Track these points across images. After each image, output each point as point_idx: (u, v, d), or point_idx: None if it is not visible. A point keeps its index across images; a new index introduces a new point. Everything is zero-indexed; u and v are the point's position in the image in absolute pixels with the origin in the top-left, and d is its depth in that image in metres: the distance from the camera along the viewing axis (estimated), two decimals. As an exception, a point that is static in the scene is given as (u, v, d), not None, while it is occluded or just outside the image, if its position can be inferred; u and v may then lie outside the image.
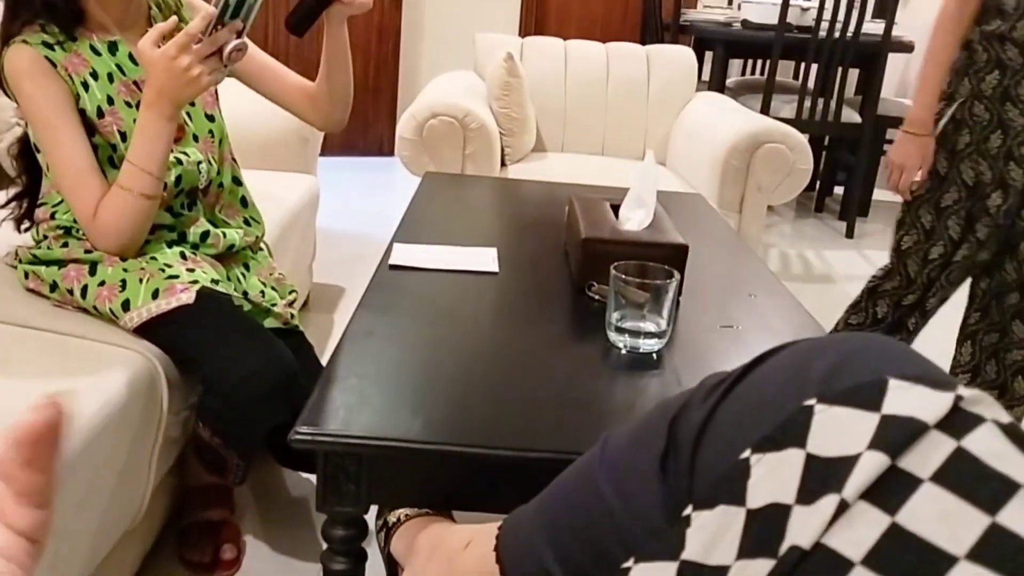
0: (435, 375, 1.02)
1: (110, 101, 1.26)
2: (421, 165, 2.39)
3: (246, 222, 1.49)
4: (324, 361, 1.12)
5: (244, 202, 1.50)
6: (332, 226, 3.03)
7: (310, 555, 1.42)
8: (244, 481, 1.35)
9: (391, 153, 4.36)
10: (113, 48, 1.28)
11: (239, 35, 1.16)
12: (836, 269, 3.23)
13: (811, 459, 0.45)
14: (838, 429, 0.46)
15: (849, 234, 3.64)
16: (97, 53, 1.26)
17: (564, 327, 1.21)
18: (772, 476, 0.46)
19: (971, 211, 1.71)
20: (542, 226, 1.67)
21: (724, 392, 0.54)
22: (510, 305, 1.27)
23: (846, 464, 0.44)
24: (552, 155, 2.85)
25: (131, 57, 1.29)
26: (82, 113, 1.24)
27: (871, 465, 0.43)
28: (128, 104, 1.28)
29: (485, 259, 1.40)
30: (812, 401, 0.48)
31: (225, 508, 1.43)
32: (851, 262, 3.33)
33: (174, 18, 1.17)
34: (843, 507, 0.43)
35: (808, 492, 0.44)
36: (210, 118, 1.40)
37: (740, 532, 0.46)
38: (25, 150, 1.35)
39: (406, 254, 1.38)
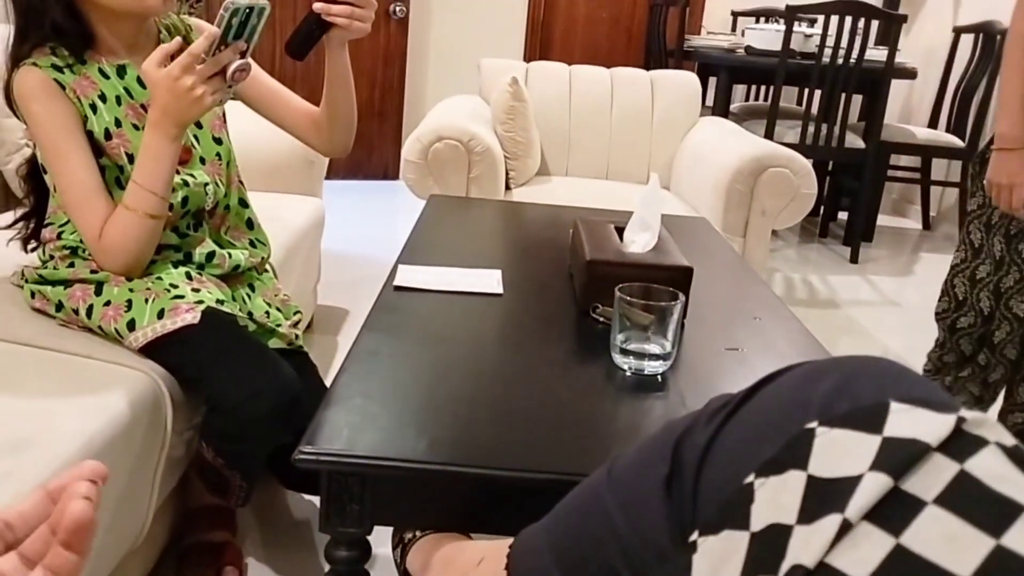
0: (439, 395, 1.02)
1: (118, 123, 1.27)
2: (426, 188, 2.40)
3: (252, 244, 1.50)
4: (328, 382, 1.12)
5: (250, 224, 1.51)
6: (337, 249, 3.04)
7: (312, 578, 1.41)
8: (247, 503, 1.35)
9: (396, 177, 4.39)
10: (122, 71, 1.29)
11: (243, 55, 1.17)
12: (840, 294, 3.23)
13: (812, 480, 0.45)
14: (839, 451, 0.46)
15: (853, 259, 3.64)
16: (106, 76, 1.28)
17: (568, 349, 1.21)
18: (774, 498, 0.46)
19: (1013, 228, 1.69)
20: (546, 249, 1.68)
21: (728, 415, 0.54)
22: (514, 327, 1.27)
23: (848, 485, 0.44)
24: (556, 179, 2.86)
25: (139, 80, 1.30)
26: (90, 135, 1.25)
27: (873, 486, 0.43)
28: (136, 127, 1.29)
29: (489, 281, 1.40)
30: (814, 424, 0.48)
31: (227, 530, 1.42)
32: (855, 287, 3.33)
33: (178, 39, 1.17)
34: (846, 527, 0.43)
35: (809, 512, 0.44)
36: (217, 141, 1.41)
37: (744, 555, 0.46)
38: (33, 171, 1.36)
39: (411, 275, 1.38)
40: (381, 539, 1.01)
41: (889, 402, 0.46)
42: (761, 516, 0.46)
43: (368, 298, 1.31)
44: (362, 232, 3.51)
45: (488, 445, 0.91)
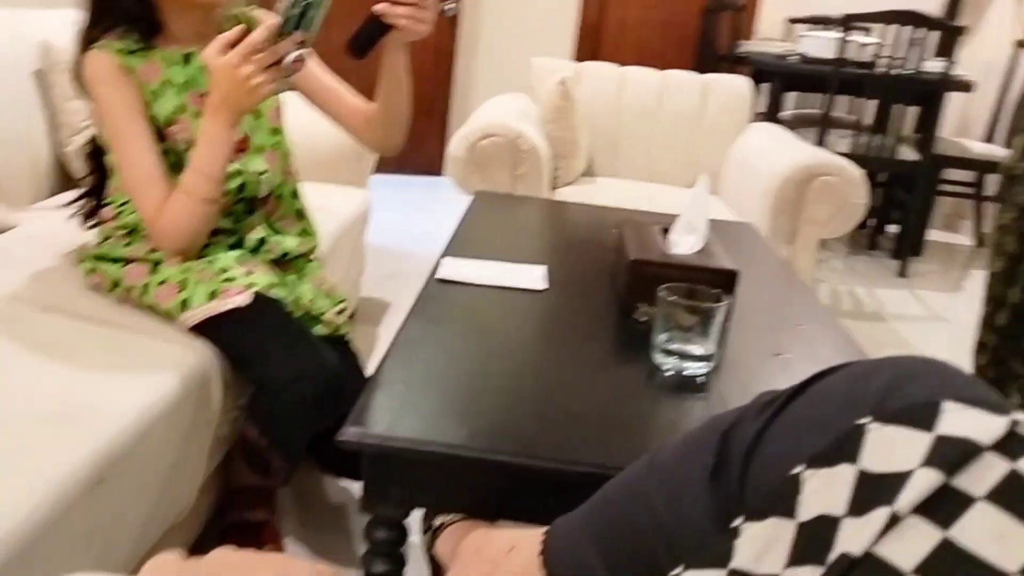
0: (481, 386, 1.03)
1: (180, 110, 1.31)
2: (471, 185, 2.42)
3: (301, 233, 1.53)
4: (368, 372, 1.14)
5: (300, 214, 1.54)
6: (381, 242, 3.07)
7: (348, 560, 1.44)
8: (287, 483, 1.38)
9: (440, 173, 4.42)
10: (187, 59, 1.33)
11: (302, 46, 1.19)
12: (887, 308, 3.18)
13: (863, 475, 0.46)
14: (891, 447, 0.46)
15: (902, 273, 3.58)
16: (171, 63, 1.31)
17: (609, 347, 1.22)
18: (823, 491, 0.47)
19: None
20: (590, 248, 1.68)
21: (778, 408, 0.55)
22: (556, 322, 1.28)
23: (898, 479, 0.44)
24: (602, 180, 2.86)
25: (203, 69, 1.34)
26: (152, 120, 1.29)
27: (924, 481, 0.44)
28: (197, 114, 1.32)
29: (533, 276, 1.41)
30: (866, 419, 0.48)
31: (267, 510, 1.45)
32: (903, 301, 3.28)
33: (240, 27, 1.19)
34: (895, 520, 0.43)
35: (859, 505, 0.45)
36: (274, 131, 1.44)
37: (790, 543, 0.46)
38: (95, 151, 1.41)
39: (454, 268, 1.40)
40: (414, 528, 1.02)
41: (943, 401, 0.47)
42: (809, 507, 0.47)
43: (410, 291, 1.33)
44: (406, 226, 3.54)
45: (527, 436, 0.92)
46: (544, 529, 0.70)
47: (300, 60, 1.19)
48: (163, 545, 1.22)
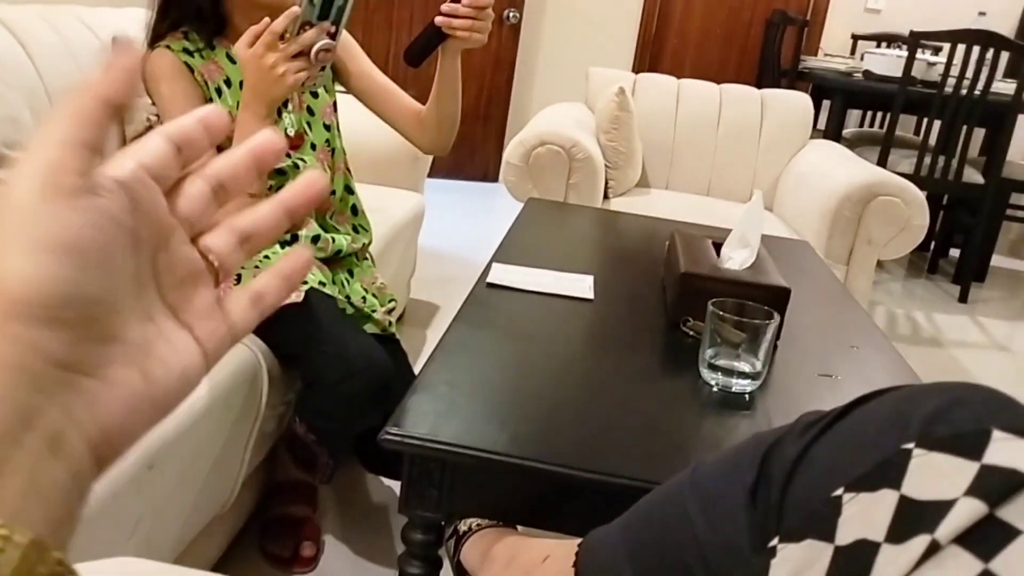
0: (524, 392, 1.03)
1: (240, 107, 1.33)
2: (525, 192, 2.42)
3: (354, 229, 1.55)
4: (416, 373, 1.14)
5: (354, 210, 1.55)
6: (433, 245, 3.09)
7: (386, 560, 1.44)
8: (331, 480, 1.39)
9: (495, 179, 4.44)
10: (248, 57, 1.36)
11: (332, 37, 1.18)
12: (946, 334, 3.09)
13: (904, 500, 0.45)
14: (935, 474, 0.45)
15: (963, 299, 3.47)
16: (232, 61, 1.34)
17: (656, 359, 1.20)
18: (863, 515, 0.46)
19: None
20: (641, 259, 1.67)
21: (822, 429, 0.53)
22: (603, 332, 1.28)
23: (941, 508, 0.43)
24: (656, 191, 2.84)
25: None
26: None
27: (967, 511, 0.42)
28: (257, 111, 1.35)
29: (581, 285, 1.41)
30: (911, 445, 0.47)
31: (309, 505, 1.47)
32: (963, 328, 3.18)
33: (266, 19, 1.18)
34: (934, 548, 0.42)
35: (899, 532, 0.44)
36: (327, 127, 1.46)
37: (826, 567, 0.45)
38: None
39: (504, 274, 1.40)
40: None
41: (991, 429, 0.45)
42: (848, 530, 0.46)
43: (459, 295, 1.34)
44: (459, 231, 3.56)
45: (568, 445, 0.91)
46: (579, 540, 0.69)
47: (327, 50, 1.18)
48: (205, 536, 1.24)
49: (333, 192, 1.50)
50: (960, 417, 0.46)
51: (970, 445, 0.45)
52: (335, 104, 1.51)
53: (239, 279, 1.29)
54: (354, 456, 1.51)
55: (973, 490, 0.43)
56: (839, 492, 0.48)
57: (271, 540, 1.42)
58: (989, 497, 0.42)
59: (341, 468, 1.43)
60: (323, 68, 1.21)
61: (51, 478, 0.26)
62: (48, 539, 0.24)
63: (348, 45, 1.47)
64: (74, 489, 0.27)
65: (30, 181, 0.26)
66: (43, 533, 0.24)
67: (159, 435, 1.01)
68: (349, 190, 1.55)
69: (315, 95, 1.45)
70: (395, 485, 1.64)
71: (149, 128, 1.47)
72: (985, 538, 0.42)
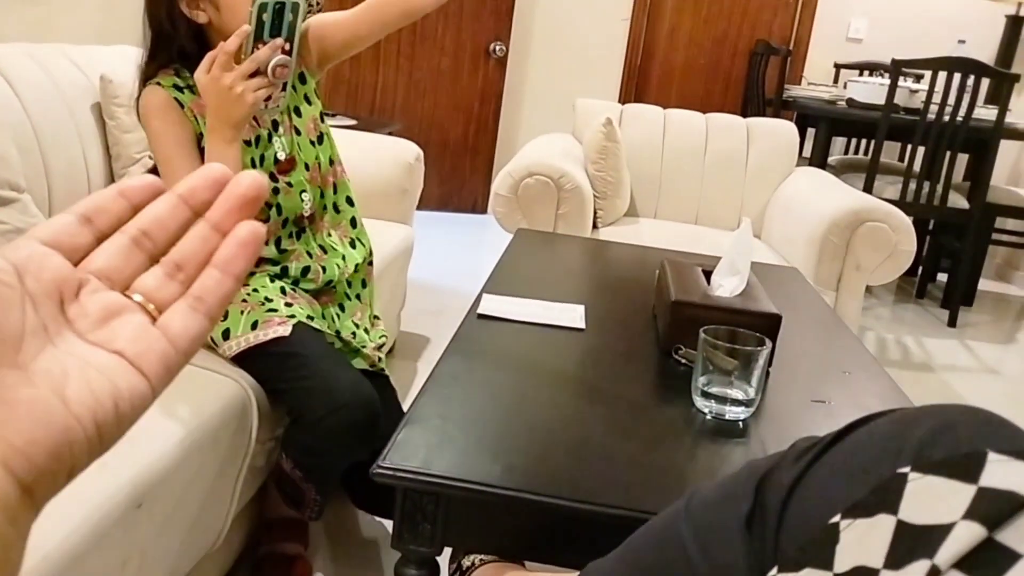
0: (517, 423, 1.02)
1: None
2: (514, 222, 2.43)
3: (352, 244, 1.54)
4: (405, 407, 1.13)
5: (353, 223, 1.55)
6: (422, 277, 3.09)
7: (377, 598, 1.42)
8: (320, 517, 1.37)
9: (484, 211, 4.45)
10: (236, 91, 1.36)
11: (288, 53, 1.18)
12: (936, 358, 3.10)
13: (902, 525, 0.44)
14: (932, 498, 0.44)
15: (951, 323, 3.49)
16: (222, 96, 1.34)
17: (648, 388, 1.20)
18: (861, 541, 0.45)
19: None
20: (631, 288, 1.67)
21: (816, 456, 0.53)
22: (595, 362, 1.27)
23: (939, 532, 0.42)
24: (644, 220, 2.85)
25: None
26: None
27: (966, 535, 0.42)
28: (247, 143, 1.35)
29: (572, 315, 1.40)
30: (906, 468, 0.46)
31: (300, 543, 1.45)
32: (952, 352, 3.19)
33: (221, 43, 1.18)
34: (934, 573, 0.41)
35: (897, 558, 0.43)
36: (317, 141, 1.45)
37: None
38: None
39: (495, 305, 1.40)
40: (444, 563, 1.01)
41: (987, 452, 0.45)
42: (846, 558, 0.45)
43: (450, 327, 1.33)
44: (448, 263, 3.56)
45: (562, 476, 0.90)
46: (577, 574, 0.68)
47: (283, 66, 1.19)
48: (196, 573, 1.22)
49: (327, 207, 1.49)
50: (955, 439, 0.46)
51: (966, 468, 0.44)
52: (321, 115, 1.50)
53: (226, 315, 1.29)
54: (343, 492, 1.50)
55: (971, 513, 0.42)
56: (836, 519, 0.47)
57: (262, 578, 1.40)
58: (988, 520, 0.42)
59: (331, 504, 1.41)
60: (284, 87, 1.21)
61: None
62: None
63: (319, 24, 1.44)
64: None
65: None
66: None
67: (147, 473, 0.99)
68: (350, 202, 1.54)
69: (298, 114, 1.44)
70: (386, 521, 1.62)
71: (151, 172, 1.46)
72: (985, 563, 0.41)
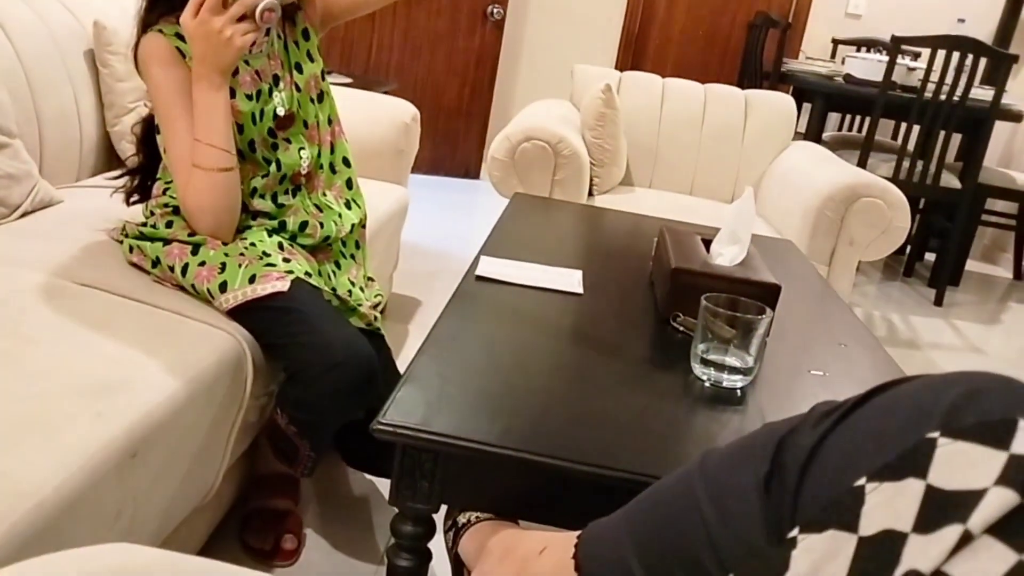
0: (516, 385, 1.02)
1: (232, 93, 1.31)
2: (510, 187, 2.41)
3: (347, 205, 1.52)
4: (401, 368, 1.13)
5: (349, 184, 1.54)
6: (414, 240, 3.07)
7: (367, 555, 1.43)
8: (312, 473, 1.37)
9: (477, 176, 4.42)
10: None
11: None
12: (922, 336, 3.12)
13: (932, 490, 0.44)
14: (963, 463, 0.44)
15: (938, 302, 3.52)
16: (223, 46, 1.32)
17: (646, 354, 1.20)
18: (888, 504, 0.45)
19: None
20: (628, 255, 1.67)
21: (838, 420, 0.53)
22: (593, 327, 1.27)
23: (972, 498, 0.42)
24: (640, 190, 2.84)
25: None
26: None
27: (998, 501, 0.42)
28: (248, 97, 1.33)
29: (570, 280, 1.40)
30: (936, 434, 0.46)
31: (291, 498, 1.45)
32: (938, 330, 3.22)
33: None
34: (967, 538, 0.41)
35: (927, 522, 0.43)
36: (313, 101, 1.44)
37: (850, 557, 0.45)
38: (147, 130, 1.42)
39: (493, 267, 1.39)
40: (439, 520, 1.01)
41: (1018, 419, 0.45)
42: (873, 521, 0.45)
43: (441, 291, 1.33)
44: (440, 227, 3.54)
45: (560, 437, 0.91)
46: (577, 533, 0.68)
47: (271, 10, 1.19)
48: (186, 526, 1.22)
49: (324, 166, 1.48)
50: (985, 406, 0.46)
51: (997, 434, 0.44)
52: (323, 72, 1.48)
53: (224, 267, 1.27)
54: (335, 450, 1.50)
55: (1004, 479, 0.42)
56: (861, 482, 0.47)
57: (252, 533, 1.40)
58: (1021, 487, 0.42)
59: (322, 462, 1.41)
60: (268, 32, 1.21)
61: None
62: None
63: None
64: None
65: None
66: None
67: (142, 423, 0.99)
68: (346, 162, 1.53)
69: (299, 70, 1.41)
70: (377, 480, 1.62)
71: (145, 121, 1.43)
72: (1019, 529, 0.41)
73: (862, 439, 0.50)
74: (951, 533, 0.42)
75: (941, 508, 0.43)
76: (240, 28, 1.17)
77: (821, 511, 0.48)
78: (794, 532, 0.48)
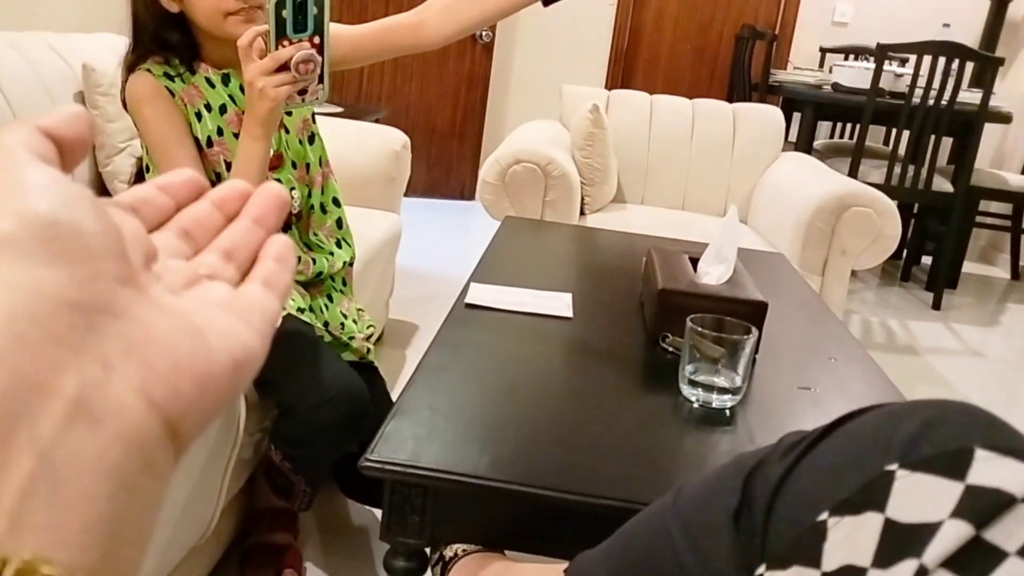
0: (505, 414, 1.03)
1: (219, 132, 1.33)
2: (501, 210, 2.43)
3: (338, 244, 1.53)
4: (395, 395, 1.13)
5: (339, 223, 1.55)
6: (410, 265, 3.09)
7: (368, 587, 1.43)
8: (309, 507, 1.37)
9: (472, 197, 4.44)
10: (226, 80, 1.35)
11: (317, 47, 1.14)
12: (921, 341, 3.12)
13: (890, 524, 0.44)
14: (920, 496, 0.45)
15: (936, 306, 3.52)
16: (212, 85, 1.33)
17: (636, 376, 1.21)
18: (849, 539, 0.45)
19: None
20: (618, 275, 1.67)
21: (804, 451, 0.53)
22: (582, 351, 1.27)
23: (927, 531, 0.43)
24: (632, 207, 2.85)
25: (242, 88, 1.35)
26: (195, 142, 1.31)
27: (953, 534, 0.42)
28: (236, 135, 1.34)
29: (560, 304, 1.41)
30: (894, 466, 0.47)
31: (290, 533, 1.45)
32: (937, 334, 3.22)
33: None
34: (923, 573, 0.42)
35: (885, 556, 0.43)
36: (308, 141, 1.45)
37: None
38: (140, 173, 1.43)
39: (482, 294, 1.40)
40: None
41: (974, 448, 0.45)
42: (834, 556, 0.45)
43: (438, 315, 1.33)
44: (436, 250, 3.56)
45: (550, 467, 0.91)
46: (564, 565, 0.68)
47: (306, 61, 1.14)
48: (184, 566, 1.22)
49: (314, 207, 1.49)
50: (942, 436, 0.46)
51: (953, 465, 0.45)
52: (313, 116, 1.49)
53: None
54: (333, 481, 1.50)
55: (959, 512, 0.43)
56: (824, 516, 0.47)
57: (253, 568, 1.40)
58: (975, 518, 0.42)
59: (321, 493, 1.41)
60: (321, 79, 1.17)
61: (79, 452, 0.20)
62: (51, 554, 0.18)
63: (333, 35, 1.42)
64: (130, 463, 0.21)
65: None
66: (73, 543, 0.19)
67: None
68: (336, 203, 1.54)
69: (287, 112, 1.42)
70: (376, 510, 1.62)
71: (139, 161, 1.45)
72: (972, 562, 0.41)
73: (825, 473, 0.50)
74: (907, 568, 0.42)
75: (899, 542, 0.43)
76: (273, 80, 1.14)
77: (786, 547, 0.48)
78: (761, 569, 0.48)
